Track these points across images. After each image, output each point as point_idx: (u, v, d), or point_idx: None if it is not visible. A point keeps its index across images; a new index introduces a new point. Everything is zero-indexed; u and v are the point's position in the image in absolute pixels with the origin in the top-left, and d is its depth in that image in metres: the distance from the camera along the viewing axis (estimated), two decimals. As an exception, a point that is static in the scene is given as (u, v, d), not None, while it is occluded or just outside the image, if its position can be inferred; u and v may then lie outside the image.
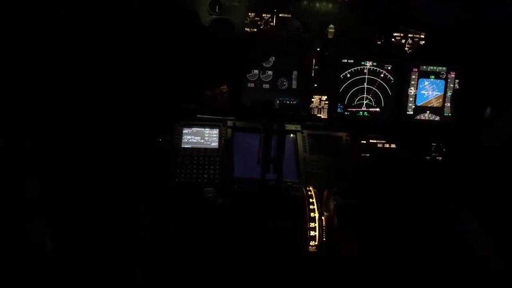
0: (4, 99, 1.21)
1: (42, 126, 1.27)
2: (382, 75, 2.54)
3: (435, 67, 2.56)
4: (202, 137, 2.33)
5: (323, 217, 1.88)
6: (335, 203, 1.89)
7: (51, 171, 1.30)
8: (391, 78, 2.55)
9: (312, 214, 1.87)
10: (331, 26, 2.44)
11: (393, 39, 2.56)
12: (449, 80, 2.57)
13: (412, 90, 2.57)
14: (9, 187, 1.17)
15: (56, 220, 1.30)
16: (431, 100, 2.58)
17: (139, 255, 1.52)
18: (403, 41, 2.57)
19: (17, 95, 1.23)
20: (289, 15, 2.49)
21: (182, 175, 2.19)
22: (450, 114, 2.58)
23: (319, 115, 2.55)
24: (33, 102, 1.25)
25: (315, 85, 2.54)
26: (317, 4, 2.51)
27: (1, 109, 1.20)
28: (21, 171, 1.22)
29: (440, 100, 2.59)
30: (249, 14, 2.47)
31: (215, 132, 2.35)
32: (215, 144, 2.32)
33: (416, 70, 2.56)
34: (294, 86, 2.53)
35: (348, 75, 2.52)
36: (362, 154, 2.46)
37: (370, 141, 2.50)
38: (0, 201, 1.15)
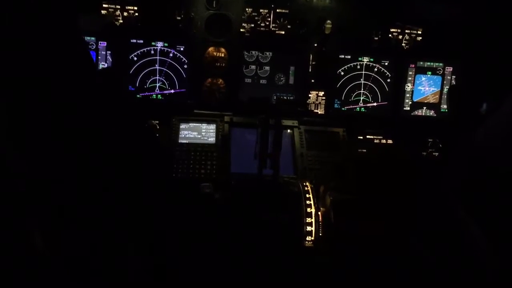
0: None
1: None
2: (378, 71, 2.54)
3: (432, 63, 2.57)
4: (199, 132, 2.33)
5: (319, 212, 1.89)
6: (331, 198, 1.89)
7: (49, 173, 1.30)
8: (388, 74, 2.55)
9: (308, 209, 1.87)
10: (328, 22, 2.44)
11: (390, 35, 2.57)
12: (445, 76, 2.58)
13: (409, 86, 2.57)
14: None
15: (55, 220, 1.30)
16: (427, 96, 2.59)
17: (138, 254, 1.53)
18: (400, 37, 2.57)
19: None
20: (287, 11, 2.49)
21: (179, 170, 2.19)
22: (446, 110, 2.59)
23: (316, 110, 2.56)
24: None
25: (312, 80, 2.54)
26: (314, 0, 2.51)
27: None
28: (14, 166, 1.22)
29: (437, 96, 2.59)
30: (246, 9, 2.47)
31: (212, 127, 2.36)
32: (212, 139, 2.32)
33: (413, 66, 2.56)
34: (291, 81, 2.53)
35: (345, 71, 2.53)
36: (359, 150, 2.46)
37: (367, 136, 2.51)
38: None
